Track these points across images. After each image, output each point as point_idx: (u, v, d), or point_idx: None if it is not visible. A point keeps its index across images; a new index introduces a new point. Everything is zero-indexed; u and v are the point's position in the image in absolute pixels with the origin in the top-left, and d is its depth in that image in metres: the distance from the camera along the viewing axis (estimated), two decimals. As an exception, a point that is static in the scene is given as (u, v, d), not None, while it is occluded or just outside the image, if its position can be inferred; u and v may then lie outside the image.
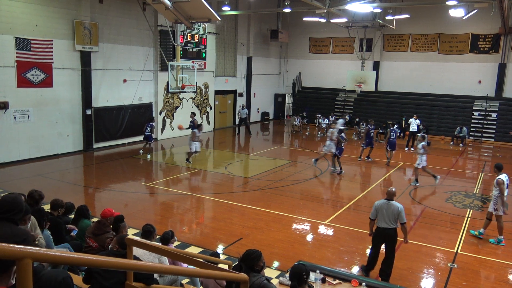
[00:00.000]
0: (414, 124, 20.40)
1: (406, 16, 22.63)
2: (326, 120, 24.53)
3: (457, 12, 18.69)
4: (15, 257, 1.89)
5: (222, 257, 7.61)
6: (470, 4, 18.26)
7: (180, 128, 17.41)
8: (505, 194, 8.99)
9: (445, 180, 14.66)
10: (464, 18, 20.41)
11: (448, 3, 17.26)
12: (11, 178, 13.13)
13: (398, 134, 18.05)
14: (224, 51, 25.21)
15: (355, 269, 7.78)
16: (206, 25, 21.77)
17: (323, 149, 16.10)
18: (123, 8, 18.03)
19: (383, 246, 7.27)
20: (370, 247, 7.57)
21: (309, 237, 9.32)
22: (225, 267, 5.17)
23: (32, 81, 14.99)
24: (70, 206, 7.60)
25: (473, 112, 24.35)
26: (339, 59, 29.00)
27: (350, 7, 17.93)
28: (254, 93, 28.02)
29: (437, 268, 7.87)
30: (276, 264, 7.74)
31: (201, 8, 14.04)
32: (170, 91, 16.39)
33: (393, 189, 7.32)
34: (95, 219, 7.33)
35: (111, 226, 6.15)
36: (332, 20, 23.56)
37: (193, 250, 8.16)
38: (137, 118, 19.12)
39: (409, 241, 7.39)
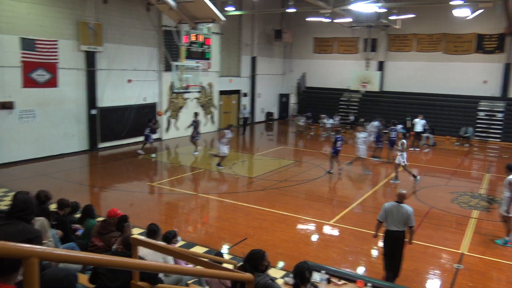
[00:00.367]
0: (419, 124, 20.32)
1: (411, 16, 22.53)
2: (331, 120, 24.49)
3: (462, 12, 18.60)
4: (21, 256, 1.88)
5: (226, 257, 7.61)
6: (475, 3, 18.17)
7: (159, 114, 17.36)
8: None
9: (451, 181, 14.58)
10: (469, 18, 20.31)
11: (453, 3, 17.18)
12: (17, 177, 13.19)
13: (401, 133, 17.95)
14: (228, 51, 25.22)
15: (360, 270, 7.75)
16: (210, 25, 21.71)
17: (360, 154, 15.06)
18: (128, 8, 18.07)
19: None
20: (382, 254, 7.27)
21: (314, 237, 9.30)
22: (230, 267, 5.16)
23: (38, 81, 15.05)
24: (76, 206, 7.63)
25: (478, 112, 24.22)
26: (344, 59, 28.93)
27: (354, 7, 17.88)
28: (259, 93, 28.01)
29: (443, 269, 7.83)
30: (281, 264, 7.72)
31: (205, 9, 14.04)
32: (174, 91, 16.40)
33: (404, 191, 7.18)
34: (100, 219, 7.34)
35: (115, 226, 6.16)
36: (336, 20, 23.50)
37: (198, 249, 8.16)
38: (141, 118, 19.11)
39: (414, 242, 7.34)
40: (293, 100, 31.09)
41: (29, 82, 14.76)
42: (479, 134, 23.72)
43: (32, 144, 15.21)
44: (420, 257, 8.18)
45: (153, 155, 16.77)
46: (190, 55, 20.58)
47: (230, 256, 7.86)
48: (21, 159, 14.85)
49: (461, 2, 17.04)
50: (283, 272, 7.30)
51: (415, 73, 26.56)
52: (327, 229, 9.70)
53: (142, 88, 18.82)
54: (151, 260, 5.05)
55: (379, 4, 18.64)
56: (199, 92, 19.88)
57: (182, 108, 21.74)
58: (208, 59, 22.31)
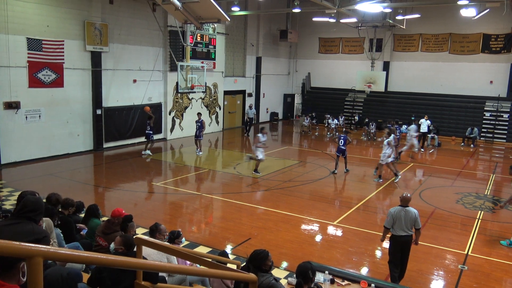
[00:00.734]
0: (424, 124, 20.23)
1: (417, 16, 22.43)
2: (336, 121, 24.46)
3: (469, 12, 18.50)
4: (26, 256, 1.90)
5: (230, 256, 7.62)
6: (482, 3, 18.07)
7: (146, 109, 17.28)
8: None
9: (456, 182, 14.52)
10: (476, 17, 20.20)
11: (459, 2, 17.09)
12: (23, 177, 13.28)
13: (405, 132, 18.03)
14: (234, 51, 25.24)
15: (364, 270, 7.74)
16: (215, 25, 21.82)
17: (387, 160, 14.32)
18: (133, 8, 18.14)
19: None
20: (388, 261, 7.07)
21: (318, 238, 9.30)
22: (234, 267, 5.17)
23: (44, 81, 15.15)
24: (80, 205, 7.67)
25: (484, 113, 24.09)
26: (349, 59, 28.88)
27: (360, 7, 17.84)
28: (263, 93, 28.02)
29: (447, 270, 7.80)
30: (284, 264, 7.73)
31: (211, 9, 14.07)
32: (179, 91, 16.44)
33: (409, 195, 7.05)
34: (105, 218, 7.38)
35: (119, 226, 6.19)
36: (342, 20, 23.47)
37: (202, 249, 8.18)
38: (146, 118, 19.17)
39: (419, 242, 7.30)
40: (298, 100, 31.08)
41: (35, 82, 14.85)
42: (485, 134, 23.60)
43: (38, 143, 15.30)
44: (425, 257, 8.16)
45: (148, 152, 16.82)
46: (195, 55, 20.63)
47: (234, 256, 7.87)
48: (27, 158, 14.95)
49: (467, 2, 16.95)
50: (287, 272, 7.31)
51: (421, 73, 26.45)
52: (331, 230, 9.69)
53: (147, 88, 18.88)
54: (155, 260, 5.08)
55: (385, 4, 18.58)
56: (203, 92, 19.90)
57: (186, 108, 21.79)
58: (213, 59, 22.35)
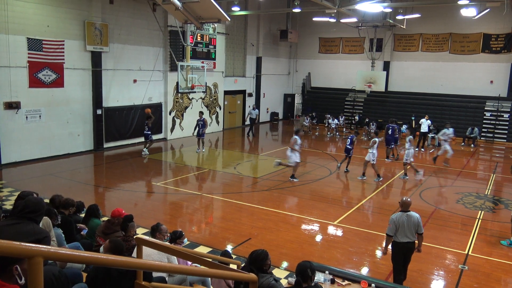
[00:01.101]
0: (425, 124, 20.23)
1: (417, 15, 22.43)
2: (336, 121, 24.45)
3: (469, 12, 18.49)
4: (26, 256, 1.90)
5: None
6: (482, 3, 18.06)
7: (147, 111, 17.35)
8: None
9: (456, 181, 14.51)
10: (476, 17, 20.19)
11: (459, 2, 17.08)
12: (23, 177, 13.29)
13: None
14: (234, 51, 25.24)
15: (365, 270, 7.73)
16: (215, 25, 21.81)
17: (409, 160, 14.29)
18: (134, 8, 18.14)
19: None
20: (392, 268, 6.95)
21: (318, 238, 9.29)
22: (234, 267, 5.17)
23: (44, 81, 15.15)
24: (81, 205, 7.68)
25: (485, 113, 24.09)
26: (349, 59, 28.88)
27: (360, 7, 17.84)
28: (264, 93, 28.02)
29: (447, 270, 7.80)
30: (285, 264, 7.73)
31: (211, 9, 14.07)
32: (179, 91, 16.44)
33: (409, 199, 6.83)
34: (105, 218, 7.38)
35: (120, 225, 6.20)
36: (342, 20, 23.46)
37: (202, 249, 8.18)
38: (145, 118, 19.19)
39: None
40: (298, 100, 31.09)
41: (35, 82, 14.86)
42: (485, 134, 23.60)
43: (38, 144, 15.31)
44: (425, 257, 8.15)
45: (146, 152, 16.84)
46: (196, 55, 20.63)
47: (234, 256, 7.87)
48: (27, 158, 14.95)
49: (468, 2, 16.94)
50: (287, 272, 7.31)
51: (421, 73, 26.46)
52: (331, 230, 9.69)
53: (148, 88, 18.88)
54: (156, 260, 5.08)
55: (385, 4, 18.58)
56: (204, 92, 19.90)
57: (187, 108, 21.80)
58: (213, 59, 22.35)
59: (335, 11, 18.82)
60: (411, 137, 14.43)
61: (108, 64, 17.37)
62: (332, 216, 10.45)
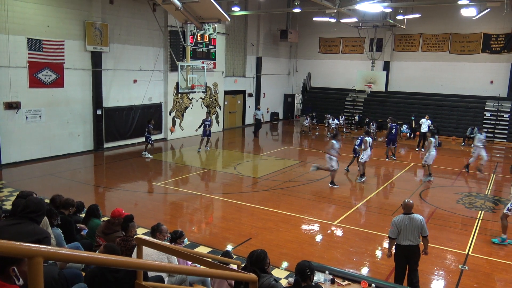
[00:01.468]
0: (425, 124, 20.24)
1: (417, 15, 22.44)
2: (336, 121, 24.46)
3: (469, 12, 18.49)
4: (26, 256, 1.91)
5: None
6: (482, 3, 18.05)
7: (171, 130, 17.53)
8: None
9: (456, 181, 14.51)
10: (476, 17, 20.19)
11: (459, 2, 17.07)
12: (23, 177, 13.29)
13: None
14: (234, 52, 25.24)
15: (365, 270, 7.73)
16: (215, 25, 21.82)
17: (428, 162, 14.06)
18: (134, 8, 18.15)
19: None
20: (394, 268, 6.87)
21: (318, 238, 9.29)
22: (234, 267, 5.17)
23: (44, 81, 15.16)
24: (81, 205, 7.68)
25: (485, 113, 24.09)
26: (349, 59, 28.88)
27: (360, 7, 17.83)
28: (264, 93, 28.02)
29: (447, 270, 7.80)
30: (285, 264, 7.73)
31: (211, 9, 14.07)
32: (179, 91, 16.45)
33: (411, 201, 6.68)
34: (105, 219, 7.38)
35: (120, 225, 6.20)
36: (342, 20, 23.46)
37: (202, 250, 8.18)
38: (147, 118, 19.18)
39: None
40: (298, 100, 31.10)
41: (35, 82, 14.86)
42: (486, 134, 23.54)
43: (38, 144, 15.31)
44: (425, 258, 8.11)
45: (148, 154, 16.78)
46: (196, 55, 20.63)
47: (235, 257, 7.87)
48: (27, 158, 14.95)
49: (468, 2, 16.93)
50: (287, 273, 7.31)
51: (421, 73, 26.46)
52: (331, 230, 9.69)
53: (148, 88, 18.88)
54: (156, 260, 5.08)
55: (385, 4, 18.58)
56: (204, 92, 19.91)
57: (187, 108, 21.80)
58: (213, 59, 22.35)
59: (335, 11, 18.82)
60: (433, 139, 14.13)
61: (108, 64, 17.37)
62: (332, 216, 10.45)
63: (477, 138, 16.20)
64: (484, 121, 23.83)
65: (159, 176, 14.78)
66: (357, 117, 27.10)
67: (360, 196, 12.48)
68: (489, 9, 18.99)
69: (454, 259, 8.22)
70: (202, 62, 19.61)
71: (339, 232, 9.58)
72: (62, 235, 5.73)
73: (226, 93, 24.64)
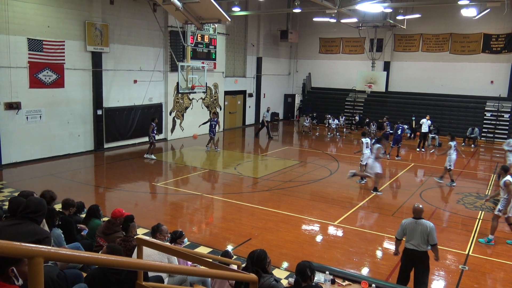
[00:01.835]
0: (425, 124, 20.24)
1: (417, 16, 22.45)
2: (336, 121, 24.46)
3: (469, 12, 18.49)
4: (27, 256, 1.91)
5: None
6: (483, 3, 18.05)
7: (195, 137, 17.61)
8: None
9: (457, 181, 14.50)
10: (476, 17, 20.19)
11: (460, 2, 17.08)
12: (23, 177, 13.29)
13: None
14: (234, 52, 25.25)
15: (365, 271, 7.73)
16: (216, 25, 21.82)
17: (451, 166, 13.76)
18: (134, 9, 18.15)
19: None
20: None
21: (319, 238, 9.29)
22: (234, 267, 5.17)
23: (44, 81, 15.16)
24: (81, 206, 7.68)
25: (485, 113, 24.09)
26: (349, 59, 28.88)
27: (361, 7, 17.84)
28: (264, 94, 28.03)
29: (448, 270, 7.79)
30: (285, 265, 7.73)
31: (211, 9, 14.07)
32: (180, 91, 16.46)
33: (420, 206, 6.50)
34: (105, 219, 7.38)
35: (121, 226, 6.20)
36: (342, 20, 23.47)
37: (203, 250, 8.18)
38: (147, 118, 19.16)
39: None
40: (298, 100, 31.10)
41: (36, 83, 14.87)
42: (486, 134, 23.59)
43: (39, 144, 15.31)
44: (425, 258, 8.14)
45: (147, 155, 16.70)
46: (196, 56, 20.64)
47: (235, 257, 7.87)
48: (28, 159, 14.96)
49: (468, 2, 16.93)
50: (288, 273, 7.31)
51: (421, 73, 26.46)
52: (331, 230, 9.69)
53: (148, 89, 18.89)
54: (156, 260, 5.08)
55: (385, 4, 18.59)
56: (204, 92, 19.92)
57: (187, 108, 21.81)
58: (213, 59, 22.35)
59: (336, 11, 18.83)
60: (453, 143, 13.86)
61: (108, 65, 17.38)
62: (332, 216, 10.44)
63: (506, 142, 16.18)
64: (484, 121, 23.83)
65: (159, 176, 14.78)
66: (357, 117, 27.10)
67: (360, 197, 12.48)
68: (489, 9, 19.00)
69: (454, 259, 8.22)
70: (203, 63, 19.62)
71: (339, 232, 9.58)
72: (63, 236, 5.73)
73: (227, 93, 24.64)
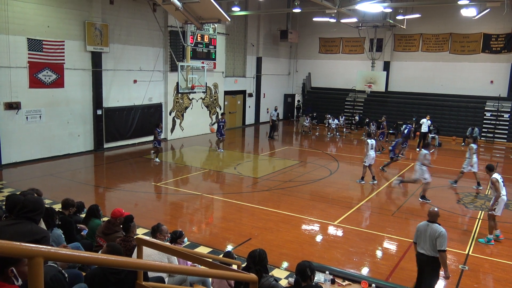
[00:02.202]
0: (425, 124, 20.24)
1: (417, 15, 22.45)
2: (336, 121, 24.47)
3: (469, 12, 18.49)
4: (27, 256, 1.91)
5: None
6: (482, 3, 18.05)
7: (212, 131, 17.63)
8: (504, 193, 9.03)
9: (456, 181, 14.49)
10: (476, 17, 20.19)
11: (459, 2, 17.08)
12: (23, 177, 13.28)
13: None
14: (234, 52, 25.25)
15: (365, 270, 7.73)
16: (216, 25, 21.82)
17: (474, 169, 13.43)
18: (134, 9, 18.15)
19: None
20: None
21: (319, 238, 9.29)
22: (234, 267, 5.17)
23: (44, 81, 15.16)
24: (81, 206, 7.67)
25: (485, 113, 24.09)
26: (349, 59, 28.88)
27: (360, 7, 17.84)
28: (264, 94, 28.03)
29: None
30: (285, 265, 7.72)
31: (211, 9, 14.07)
32: (180, 91, 16.45)
33: (436, 209, 6.31)
34: (105, 219, 7.38)
35: (121, 226, 6.20)
36: (342, 20, 23.46)
37: (203, 250, 8.18)
38: (147, 118, 19.23)
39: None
40: (296, 100, 31.09)
41: (35, 83, 14.86)
42: (486, 134, 23.59)
43: (38, 144, 15.31)
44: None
45: (154, 158, 16.61)
46: (196, 56, 20.64)
47: (235, 257, 7.86)
48: (27, 159, 14.95)
49: (468, 2, 16.93)
50: (288, 273, 7.31)
51: (421, 73, 26.46)
52: (331, 230, 9.69)
53: (148, 89, 18.89)
54: (156, 260, 5.08)
55: (385, 4, 18.58)
56: (204, 92, 19.92)
57: (187, 108, 21.80)
58: (213, 59, 22.35)
59: (335, 11, 18.83)
60: (475, 146, 13.44)
61: (108, 65, 17.37)
62: (332, 216, 10.44)
63: None
64: (484, 121, 23.84)
65: (159, 176, 14.78)
66: (357, 117, 27.10)
67: (360, 196, 12.48)
68: (489, 9, 19.00)
69: (454, 259, 8.21)
70: (202, 62, 19.62)
71: (339, 232, 9.58)
72: (63, 236, 5.72)
73: (226, 93, 24.64)
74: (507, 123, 23.46)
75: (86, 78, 16.69)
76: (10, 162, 14.41)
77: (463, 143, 22.18)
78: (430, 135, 21.44)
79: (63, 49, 15.57)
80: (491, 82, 24.51)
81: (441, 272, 6.31)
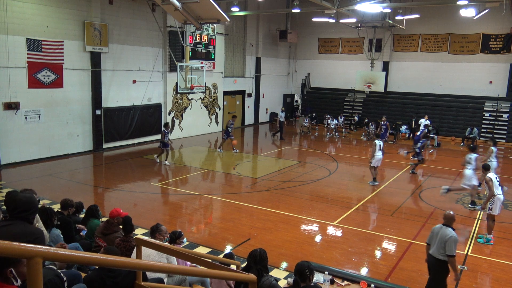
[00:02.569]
0: (424, 124, 20.24)
1: (416, 16, 22.47)
2: (335, 121, 24.47)
3: (468, 12, 18.52)
4: (26, 256, 1.91)
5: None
6: (481, 3, 18.08)
7: (234, 144, 17.69)
8: (499, 192, 9.04)
9: (456, 181, 14.50)
10: (475, 18, 20.22)
11: (459, 2, 17.09)
12: (22, 177, 13.27)
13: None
14: (233, 52, 25.25)
15: (364, 271, 7.73)
16: (215, 25, 21.82)
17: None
18: (133, 9, 18.14)
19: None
20: None
21: (318, 238, 9.29)
22: (233, 267, 5.17)
23: (43, 81, 15.15)
24: (80, 206, 7.67)
25: (484, 113, 24.11)
26: (348, 59, 28.89)
27: (360, 7, 17.85)
28: (263, 94, 28.03)
29: (447, 270, 7.79)
30: (284, 265, 7.72)
31: (210, 9, 14.07)
32: (179, 91, 16.45)
33: (451, 213, 6.23)
34: (104, 219, 7.38)
35: (119, 226, 6.20)
36: (341, 21, 23.48)
37: (202, 250, 8.18)
38: (146, 118, 19.23)
39: (417, 242, 7.20)
40: (296, 100, 31.09)
41: (34, 83, 14.85)
42: (485, 134, 23.60)
43: (37, 144, 15.30)
44: (424, 257, 8.12)
45: (163, 161, 16.51)
46: (195, 56, 20.64)
47: (235, 257, 7.86)
48: (26, 159, 14.94)
49: (467, 2, 16.94)
50: (287, 273, 7.31)
51: (420, 74, 26.47)
52: (330, 230, 9.69)
53: (147, 89, 18.88)
54: (155, 260, 5.08)
55: (384, 4, 18.60)
56: (203, 92, 19.91)
57: (186, 108, 21.80)
58: (212, 59, 22.35)
59: (335, 11, 18.84)
60: (495, 148, 13.01)
61: (107, 65, 17.36)
62: (331, 217, 10.44)
63: None
64: (483, 122, 23.86)
65: (158, 176, 14.77)
66: (356, 118, 27.10)
67: (359, 197, 12.48)
68: (488, 10, 19.04)
69: (453, 259, 8.21)
70: (202, 63, 19.61)
71: (338, 232, 9.58)
72: (61, 236, 5.72)
73: (226, 93, 24.64)
74: (506, 123, 23.48)
75: (85, 78, 16.68)
76: (9, 162, 14.40)
77: (462, 144, 22.22)
78: (429, 135, 21.44)
79: (62, 49, 15.56)
80: (490, 82, 24.54)
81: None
